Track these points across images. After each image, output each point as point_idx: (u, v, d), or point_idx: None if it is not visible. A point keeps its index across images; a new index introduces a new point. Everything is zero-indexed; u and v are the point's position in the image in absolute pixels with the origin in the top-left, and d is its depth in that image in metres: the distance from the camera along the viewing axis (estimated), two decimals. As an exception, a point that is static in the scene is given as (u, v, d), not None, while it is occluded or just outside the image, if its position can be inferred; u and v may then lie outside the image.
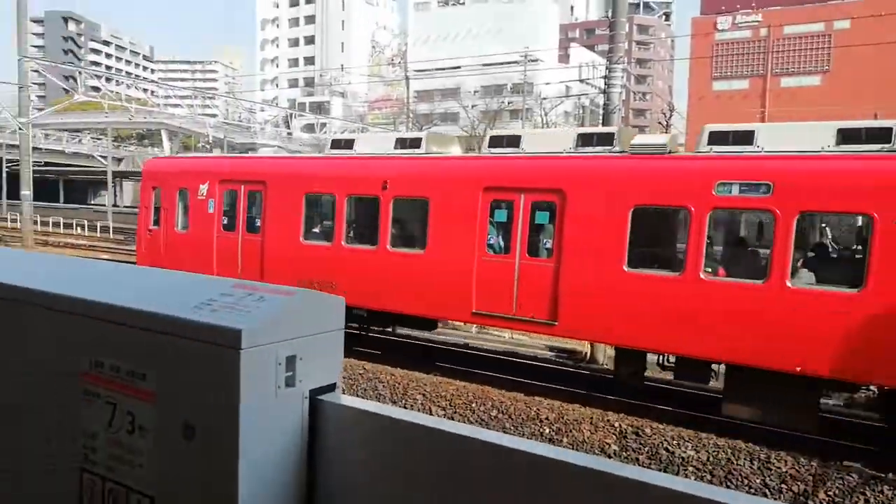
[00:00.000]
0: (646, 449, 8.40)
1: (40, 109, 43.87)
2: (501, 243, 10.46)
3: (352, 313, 11.98)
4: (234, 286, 1.44)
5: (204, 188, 13.35)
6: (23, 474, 1.63)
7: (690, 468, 7.96)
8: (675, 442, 8.40)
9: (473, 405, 9.71)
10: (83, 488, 1.47)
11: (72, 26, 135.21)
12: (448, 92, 66.59)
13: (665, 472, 7.71)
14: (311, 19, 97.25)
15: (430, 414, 9.00)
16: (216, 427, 1.27)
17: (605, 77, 16.31)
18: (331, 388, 1.41)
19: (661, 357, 9.70)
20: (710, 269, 8.81)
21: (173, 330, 1.33)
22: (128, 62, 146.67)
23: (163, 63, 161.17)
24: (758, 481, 7.59)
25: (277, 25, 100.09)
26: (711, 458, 8.03)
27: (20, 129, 29.52)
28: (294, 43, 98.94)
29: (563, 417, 9.19)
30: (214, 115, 41.58)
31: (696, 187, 8.73)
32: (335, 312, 1.43)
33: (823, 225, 9.77)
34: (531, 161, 10.56)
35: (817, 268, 8.43)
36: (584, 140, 10.31)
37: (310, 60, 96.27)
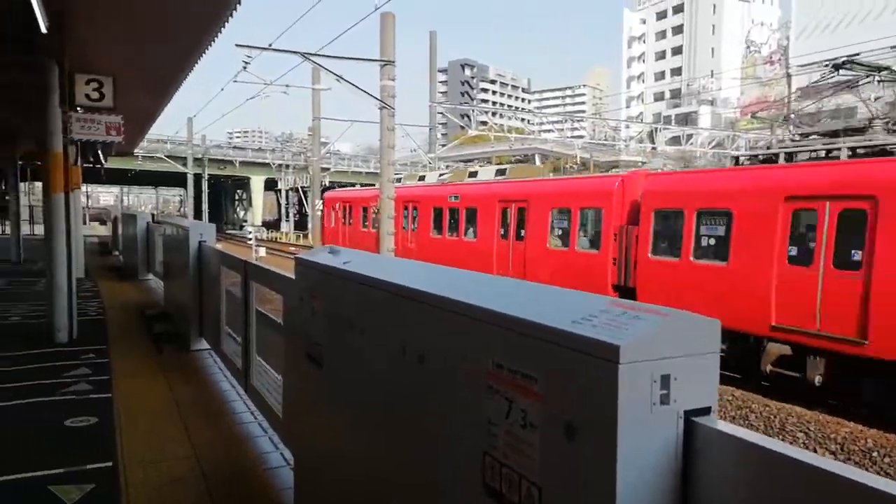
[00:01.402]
0: None
1: (443, 145, 52.04)
2: None
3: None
4: (612, 304, 1.54)
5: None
6: (438, 449, 1.98)
7: None
8: None
9: (874, 454, 8.11)
10: (485, 467, 1.72)
11: (467, 71, 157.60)
12: (841, 85, 57.25)
13: None
14: (678, 30, 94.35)
15: (818, 458, 7.82)
16: (595, 433, 1.35)
17: None
18: (705, 411, 1.39)
19: None
20: (451, 233, 20.01)
21: (559, 340, 1.46)
22: (509, 96, 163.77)
23: (538, 93, 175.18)
24: None
25: (643, 41, 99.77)
26: None
27: (429, 162, 35.53)
28: (661, 56, 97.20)
29: None
30: (581, 137, 43.53)
31: (444, 198, 20.49)
32: (710, 335, 1.41)
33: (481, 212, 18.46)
34: None
35: (474, 232, 18.68)
36: None
37: (676, 72, 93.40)
